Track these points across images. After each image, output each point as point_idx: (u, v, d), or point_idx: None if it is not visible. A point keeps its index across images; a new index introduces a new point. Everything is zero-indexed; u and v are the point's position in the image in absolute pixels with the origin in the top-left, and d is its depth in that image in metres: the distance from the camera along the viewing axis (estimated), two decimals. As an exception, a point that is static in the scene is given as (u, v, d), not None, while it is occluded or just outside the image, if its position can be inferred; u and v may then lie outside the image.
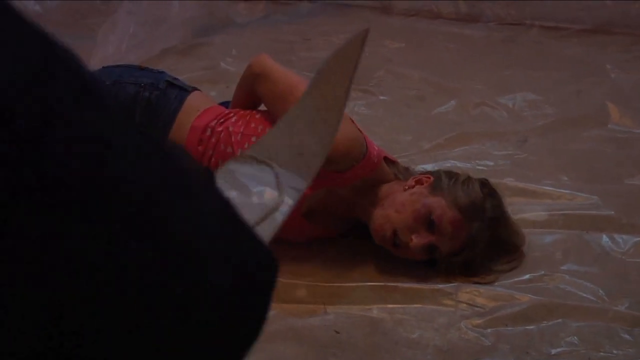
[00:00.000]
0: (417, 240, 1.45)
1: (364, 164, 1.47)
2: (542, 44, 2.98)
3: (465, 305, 1.44)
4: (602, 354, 1.31)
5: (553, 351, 1.32)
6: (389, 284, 1.49)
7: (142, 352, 0.49)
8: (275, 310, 1.41)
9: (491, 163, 1.98)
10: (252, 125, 1.54)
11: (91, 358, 0.46)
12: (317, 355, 1.31)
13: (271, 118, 1.55)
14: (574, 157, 2.02)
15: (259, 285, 0.56)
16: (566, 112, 2.30)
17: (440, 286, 1.48)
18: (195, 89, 1.67)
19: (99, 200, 0.45)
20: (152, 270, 0.48)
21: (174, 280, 0.49)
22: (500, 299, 1.45)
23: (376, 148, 1.53)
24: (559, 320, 1.39)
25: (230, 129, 1.53)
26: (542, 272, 1.53)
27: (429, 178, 1.53)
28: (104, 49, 2.42)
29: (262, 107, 1.62)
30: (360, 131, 1.48)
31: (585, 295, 1.46)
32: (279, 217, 0.79)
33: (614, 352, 1.31)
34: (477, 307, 1.43)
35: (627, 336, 1.35)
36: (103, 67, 1.73)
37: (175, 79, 1.67)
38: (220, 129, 1.54)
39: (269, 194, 0.82)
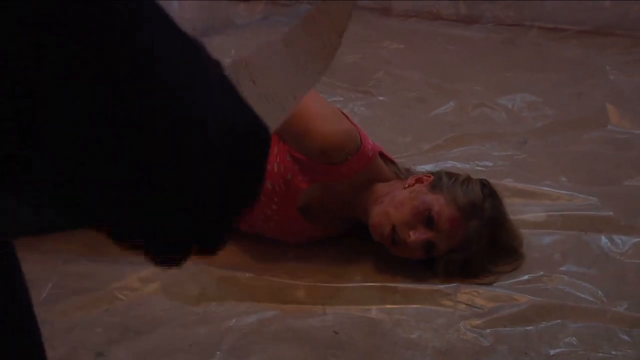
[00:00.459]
0: (415, 236, 1.45)
1: (359, 157, 1.47)
2: (541, 46, 2.98)
3: (464, 305, 1.44)
4: (600, 354, 1.31)
5: (552, 352, 1.32)
6: (388, 284, 1.50)
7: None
8: (274, 311, 1.41)
9: (490, 164, 1.98)
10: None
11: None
12: (316, 356, 1.31)
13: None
14: (573, 159, 2.02)
15: (254, 145, 0.60)
16: (565, 113, 2.30)
17: (439, 287, 1.48)
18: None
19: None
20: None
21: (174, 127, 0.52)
22: (499, 299, 1.45)
23: (371, 142, 1.53)
24: (558, 321, 1.39)
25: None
26: (541, 273, 1.53)
27: (430, 177, 1.54)
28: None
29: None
30: (355, 125, 1.49)
31: (584, 296, 1.46)
32: None
33: (613, 353, 1.31)
34: (476, 307, 1.43)
35: (625, 337, 1.35)
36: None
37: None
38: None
39: None
